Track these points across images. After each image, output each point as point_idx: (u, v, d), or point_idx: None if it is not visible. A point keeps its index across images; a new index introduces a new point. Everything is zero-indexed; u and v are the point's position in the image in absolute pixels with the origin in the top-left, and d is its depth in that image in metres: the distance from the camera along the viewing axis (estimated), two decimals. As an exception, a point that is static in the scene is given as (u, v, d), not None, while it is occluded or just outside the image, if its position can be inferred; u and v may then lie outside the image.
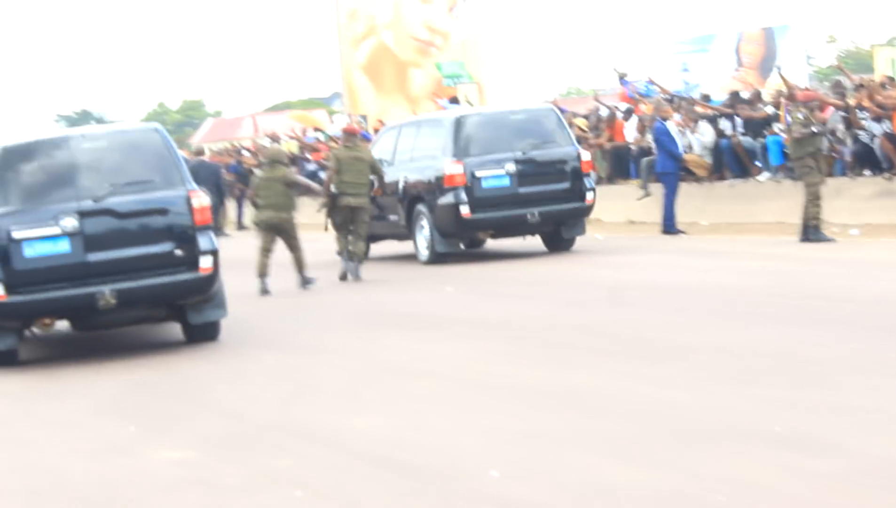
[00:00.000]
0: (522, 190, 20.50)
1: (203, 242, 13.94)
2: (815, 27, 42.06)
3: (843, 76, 27.10)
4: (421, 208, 20.90)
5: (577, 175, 21.03)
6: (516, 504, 7.52)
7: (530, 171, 20.75)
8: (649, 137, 26.12)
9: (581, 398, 10.46)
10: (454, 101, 39.45)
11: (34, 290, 13.61)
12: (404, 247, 22.72)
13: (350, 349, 13.77)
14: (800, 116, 20.15)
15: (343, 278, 19.46)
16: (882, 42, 53.94)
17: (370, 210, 20.15)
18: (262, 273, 18.59)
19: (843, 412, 8.90)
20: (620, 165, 28.59)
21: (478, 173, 20.32)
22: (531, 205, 20.32)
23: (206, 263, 13.87)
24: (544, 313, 15.34)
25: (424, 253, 21.13)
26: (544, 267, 20.59)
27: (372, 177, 19.91)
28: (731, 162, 25.63)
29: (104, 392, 12.16)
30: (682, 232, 23.78)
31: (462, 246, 21.84)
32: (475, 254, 22.68)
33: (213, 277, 14.01)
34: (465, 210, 20.05)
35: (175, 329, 14.81)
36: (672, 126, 24.72)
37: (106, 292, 13.42)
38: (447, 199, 20.28)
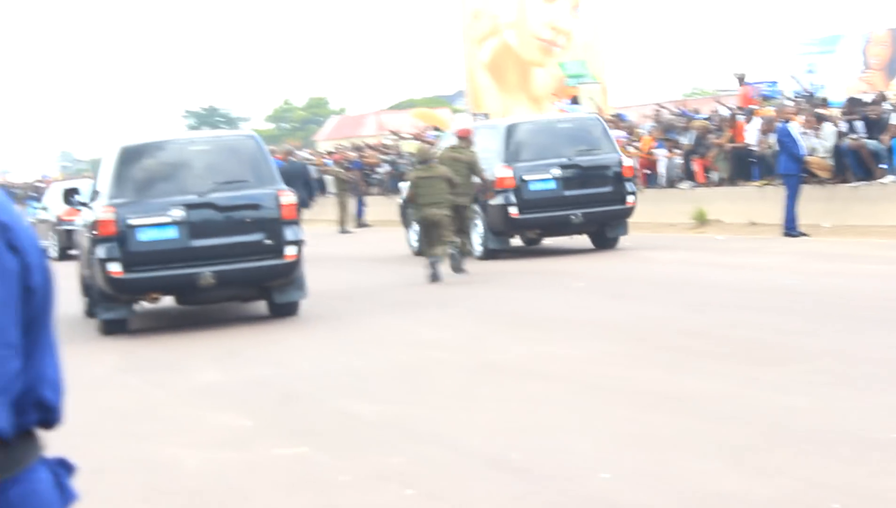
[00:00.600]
0: (567, 193, 21.93)
1: (288, 233, 16.31)
2: None
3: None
4: (475, 207, 21.60)
5: (619, 180, 22.57)
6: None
7: (575, 175, 22.20)
8: (772, 139, 25.99)
9: (696, 402, 10.51)
10: (575, 101, 39.56)
11: (146, 269, 15.89)
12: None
13: (464, 346, 13.97)
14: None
15: (432, 279, 19.83)
16: None
17: (472, 208, 21.55)
18: (433, 261, 19.85)
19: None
20: (741, 166, 28.47)
21: (525, 177, 21.77)
22: (576, 207, 21.79)
23: (290, 251, 16.21)
24: (660, 314, 15.34)
25: (478, 249, 22.40)
26: (661, 267, 20.65)
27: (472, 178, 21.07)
28: (853, 164, 25.29)
29: (221, 388, 12.60)
30: (804, 234, 23.68)
31: (523, 243, 23.64)
32: (587, 252, 23.10)
33: (296, 263, 16.29)
34: (513, 211, 21.54)
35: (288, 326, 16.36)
36: (795, 127, 24.54)
37: (206, 273, 15.85)
38: (498, 200, 21.61)
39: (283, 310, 16.98)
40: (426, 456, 9.17)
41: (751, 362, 11.87)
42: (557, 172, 22.07)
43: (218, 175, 16.54)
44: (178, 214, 15.86)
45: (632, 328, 14.43)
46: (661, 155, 31.08)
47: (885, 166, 24.69)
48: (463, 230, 21.04)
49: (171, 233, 15.92)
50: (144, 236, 15.89)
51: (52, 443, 3.07)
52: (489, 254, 22.34)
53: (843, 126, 26.17)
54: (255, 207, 16.49)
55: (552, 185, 22.10)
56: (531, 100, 45.35)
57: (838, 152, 25.35)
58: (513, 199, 21.85)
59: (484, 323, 15.77)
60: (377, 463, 8.99)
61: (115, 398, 12.31)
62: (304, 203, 27.57)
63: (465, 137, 22.09)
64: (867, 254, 20.65)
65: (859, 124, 25.87)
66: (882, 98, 27.64)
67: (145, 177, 16.56)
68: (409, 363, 13.45)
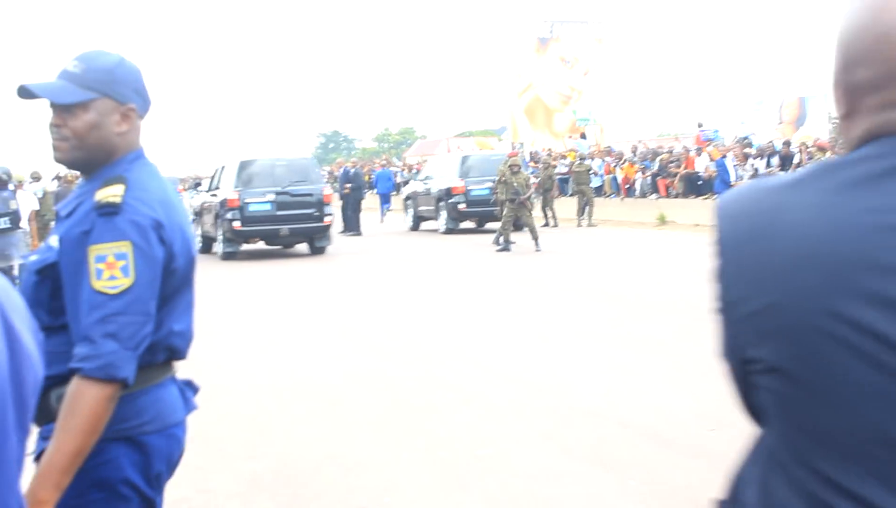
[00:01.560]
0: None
1: (326, 209, 22.60)
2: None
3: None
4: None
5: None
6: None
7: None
8: (713, 168, 27.66)
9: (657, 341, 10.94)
10: (583, 136, 41.86)
11: (252, 225, 22.20)
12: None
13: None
14: (820, 156, 22.28)
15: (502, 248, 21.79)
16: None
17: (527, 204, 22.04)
18: (506, 238, 21.82)
19: None
20: (692, 186, 29.72)
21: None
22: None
23: (327, 219, 22.61)
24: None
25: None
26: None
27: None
28: None
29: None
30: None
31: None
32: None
33: (329, 226, 22.78)
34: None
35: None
36: (729, 161, 26.40)
37: (285, 228, 22.31)
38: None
39: (318, 250, 23.01)
40: (470, 371, 9.87)
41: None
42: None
43: (292, 177, 22.70)
44: (270, 197, 22.16)
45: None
46: (638, 176, 32.30)
47: None
48: (527, 222, 21.72)
49: (267, 207, 22.18)
50: (252, 208, 21.98)
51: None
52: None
53: (762, 162, 27.96)
54: (309, 195, 22.55)
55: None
56: (553, 135, 46.39)
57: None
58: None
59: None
60: (432, 374, 10.31)
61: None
62: (357, 202, 30.01)
63: (514, 157, 22.69)
64: None
65: (774, 160, 27.86)
66: (788, 143, 29.29)
67: (253, 176, 22.45)
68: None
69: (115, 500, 2.54)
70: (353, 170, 31.82)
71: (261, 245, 23.64)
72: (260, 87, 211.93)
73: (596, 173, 33.07)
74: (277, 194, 22.44)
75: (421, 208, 30.84)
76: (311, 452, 6.60)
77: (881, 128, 1.42)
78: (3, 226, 12.82)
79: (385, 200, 37.70)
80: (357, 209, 30.06)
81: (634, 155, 34.95)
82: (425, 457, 6.42)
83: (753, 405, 1.58)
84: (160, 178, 2.69)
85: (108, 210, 2.48)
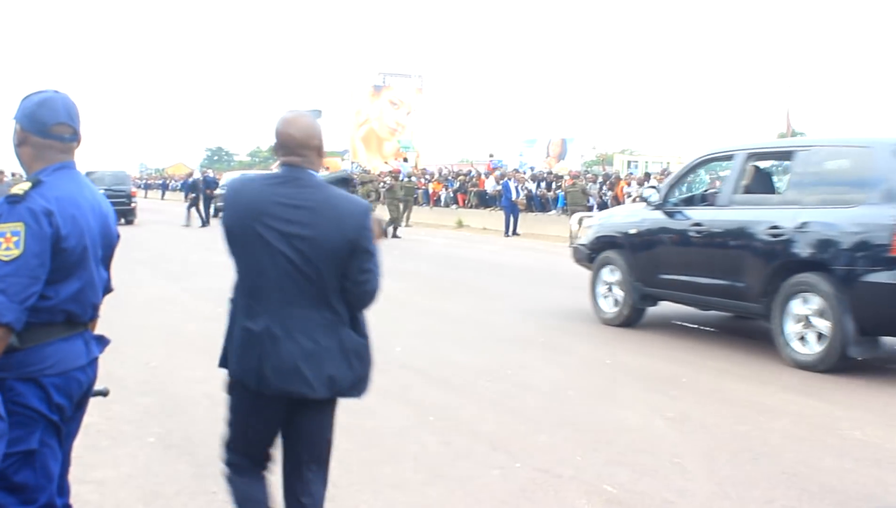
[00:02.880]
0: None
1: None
2: (587, 139, 45.21)
3: (599, 166, 29.93)
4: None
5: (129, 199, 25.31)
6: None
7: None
8: (499, 187, 27.82)
9: (448, 314, 11.16)
10: (405, 160, 42.25)
11: None
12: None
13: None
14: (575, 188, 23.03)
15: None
16: (619, 149, 57.57)
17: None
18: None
19: None
20: (483, 200, 30.08)
21: None
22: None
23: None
24: (427, 270, 15.44)
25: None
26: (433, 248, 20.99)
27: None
28: (537, 203, 27.46)
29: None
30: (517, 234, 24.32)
31: None
32: None
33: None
34: None
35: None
36: (511, 183, 26.49)
37: None
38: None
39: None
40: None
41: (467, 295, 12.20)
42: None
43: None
44: None
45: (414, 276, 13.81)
46: (443, 190, 32.26)
47: (555, 206, 26.70)
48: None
49: None
50: None
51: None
52: None
53: (534, 184, 28.77)
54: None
55: None
56: (382, 158, 46.38)
57: (530, 197, 27.54)
58: None
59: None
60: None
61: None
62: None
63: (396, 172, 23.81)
64: (539, 247, 21.29)
65: (543, 184, 28.53)
66: (551, 172, 30.52)
67: None
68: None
69: (26, 421, 2.62)
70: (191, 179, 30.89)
71: None
72: (158, 102, 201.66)
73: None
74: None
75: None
76: (192, 392, 6.48)
77: (288, 162, 3.00)
78: None
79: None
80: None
81: (440, 175, 35.24)
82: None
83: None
84: (76, 183, 2.79)
85: (13, 199, 2.59)
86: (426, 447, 5.25)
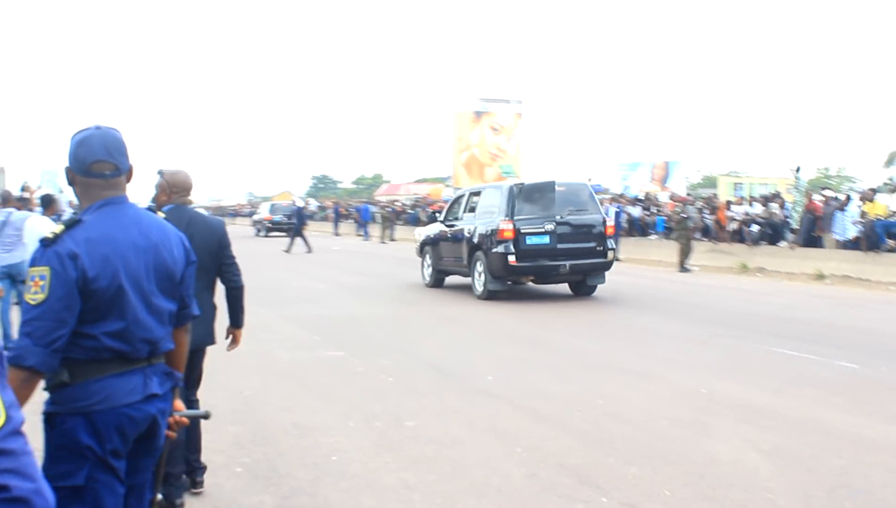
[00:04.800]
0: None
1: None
2: (692, 162, 44.83)
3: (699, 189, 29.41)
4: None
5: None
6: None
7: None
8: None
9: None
10: None
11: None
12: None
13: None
14: (677, 209, 22.28)
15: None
16: (724, 172, 56.39)
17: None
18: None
19: None
20: None
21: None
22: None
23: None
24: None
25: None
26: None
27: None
28: (638, 228, 26.60)
29: (305, 319, 13.16)
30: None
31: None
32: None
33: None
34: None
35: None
36: (612, 208, 25.59)
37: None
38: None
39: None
40: (405, 362, 9.13)
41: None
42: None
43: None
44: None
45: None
46: None
47: (654, 231, 25.67)
48: None
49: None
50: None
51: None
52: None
53: (639, 208, 28.26)
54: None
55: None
56: (484, 183, 47.43)
57: (631, 221, 26.79)
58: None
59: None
60: (377, 363, 8.86)
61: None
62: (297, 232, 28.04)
63: None
64: (636, 272, 19.93)
65: (641, 207, 28.01)
66: (651, 196, 30.56)
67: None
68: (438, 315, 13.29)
69: (74, 457, 2.62)
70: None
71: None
72: (264, 132, 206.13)
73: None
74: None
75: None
76: (280, 420, 6.53)
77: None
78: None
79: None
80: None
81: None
82: (365, 426, 6.34)
83: None
84: (119, 219, 2.75)
85: (45, 242, 2.60)
86: (511, 479, 5.13)
